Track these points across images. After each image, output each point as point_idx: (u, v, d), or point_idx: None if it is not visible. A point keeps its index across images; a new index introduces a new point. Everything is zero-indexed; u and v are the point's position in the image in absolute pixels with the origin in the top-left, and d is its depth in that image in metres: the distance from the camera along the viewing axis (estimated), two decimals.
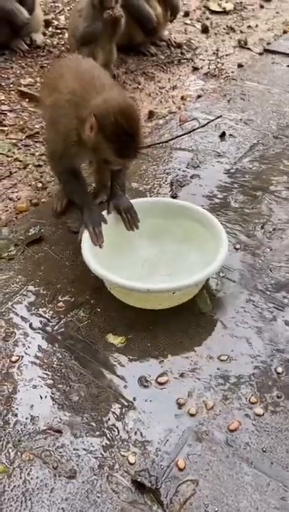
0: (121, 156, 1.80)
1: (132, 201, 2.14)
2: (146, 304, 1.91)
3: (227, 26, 4.64)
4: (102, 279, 1.90)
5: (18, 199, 2.55)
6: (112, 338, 1.84)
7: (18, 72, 3.61)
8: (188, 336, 1.84)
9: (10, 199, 2.55)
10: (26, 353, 1.79)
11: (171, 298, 1.88)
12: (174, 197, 2.48)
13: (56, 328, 1.88)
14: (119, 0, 3.31)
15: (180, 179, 2.63)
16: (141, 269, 2.04)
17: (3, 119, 3.13)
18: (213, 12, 4.92)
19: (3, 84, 3.43)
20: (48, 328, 1.88)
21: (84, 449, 1.51)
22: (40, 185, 2.64)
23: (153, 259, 2.08)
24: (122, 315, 1.92)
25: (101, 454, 1.50)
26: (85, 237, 1.99)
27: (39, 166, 2.78)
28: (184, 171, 2.71)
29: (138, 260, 2.07)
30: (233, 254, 2.17)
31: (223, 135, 3.00)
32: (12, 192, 2.60)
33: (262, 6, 5.11)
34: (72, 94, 1.90)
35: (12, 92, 3.39)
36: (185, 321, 1.89)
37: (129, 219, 2.09)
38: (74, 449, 1.51)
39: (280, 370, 1.71)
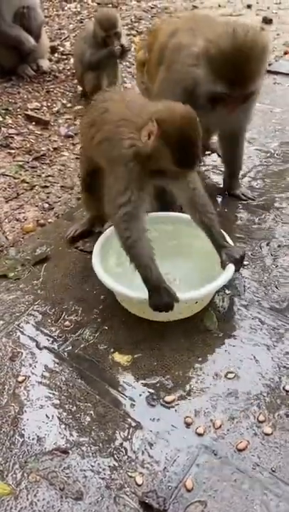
0: (181, 164, 1.67)
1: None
2: (158, 316, 1.88)
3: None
4: (116, 292, 1.91)
5: (25, 220, 2.59)
6: (118, 357, 1.84)
7: (25, 96, 3.70)
8: (195, 354, 1.83)
9: (17, 220, 2.59)
10: (33, 373, 1.79)
11: (186, 308, 1.90)
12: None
13: (63, 347, 1.89)
14: (120, 35, 3.43)
15: None
16: None
17: (11, 142, 3.20)
18: None
19: (10, 108, 3.52)
20: (55, 348, 1.88)
21: (91, 470, 1.49)
22: (46, 205, 2.68)
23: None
24: (129, 334, 1.92)
25: (108, 474, 1.48)
26: (96, 252, 1.99)
27: (45, 187, 2.83)
28: None
29: None
30: (239, 272, 2.17)
31: None
32: (19, 213, 2.64)
33: (262, 29, 5.23)
34: (122, 119, 1.78)
35: (19, 116, 3.47)
36: (191, 339, 1.89)
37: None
38: (81, 470, 1.49)
39: (288, 387, 1.69)
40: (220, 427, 1.58)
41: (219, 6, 5.74)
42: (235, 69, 1.88)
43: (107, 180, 1.84)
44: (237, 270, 1.94)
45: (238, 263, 1.95)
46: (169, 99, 1.82)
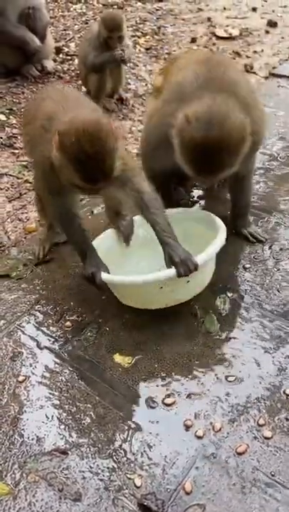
0: (83, 180, 1.61)
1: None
2: (157, 299, 1.89)
3: (233, 51, 4.74)
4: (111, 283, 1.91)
5: (28, 220, 2.59)
6: (119, 358, 1.83)
7: (29, 97, 3.70)
8: (196, 357, 1.83)
9: (19, 220, 2.59)
10: (33, 373, 1.79)
11: (184, 288, 1.89)
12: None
13: (63, 347, 1.89)
14: (122, 39, 3.43)
15: (187, 202, 2.67)
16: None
17: (15, 142, 3.20)
18: (219, 38, 5.03)
19: (14, 108, 3.52)
20: (55, 348, 1.88)
21: (90, 471, 1.49)
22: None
23: (152, 261, 2.04)
24: (129, 335, 1.92)
25: (107, 476, 1.48)
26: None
27: None
28: (192, 191, 2.75)
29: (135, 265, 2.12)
30: (241, 274, 2.17)
31: None
32: (22, 213, 2.64)
33: (267, 32, 5.22)
34: (46, 119, 1.76)
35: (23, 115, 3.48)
36: (192, 342, 1.88)
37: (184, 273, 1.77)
38: (80, 471, 1.49)
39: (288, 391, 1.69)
40: (220, 430, 1.58)
41: (224, 8, 5.74)
42: (202, 161, 1.75)
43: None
44: (179, 273, 1.75)
45: (180, 265, 1.76)
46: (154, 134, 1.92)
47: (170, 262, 1.79)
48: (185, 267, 1.75)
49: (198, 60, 2.08)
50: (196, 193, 2.75)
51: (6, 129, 3.31)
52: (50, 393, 1.72)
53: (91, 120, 1.64)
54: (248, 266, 2.23)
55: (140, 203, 1.86)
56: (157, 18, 5.46)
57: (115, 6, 5.57)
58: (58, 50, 4.39)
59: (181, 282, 1.82)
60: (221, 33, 5.12)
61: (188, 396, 1.68)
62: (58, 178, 1.72)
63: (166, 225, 1.85)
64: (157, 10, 5.73)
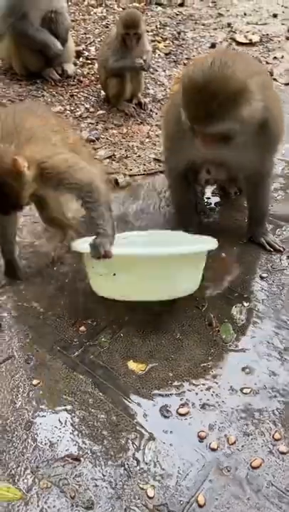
0: None
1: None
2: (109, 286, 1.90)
3: (253, 57, 4.72)
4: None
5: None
6: (133, 365, 1.82)
7: (49, 100, 3.73)
8: (211, 367, 1.81)
9: (36, 222, 2.60)
10: (47, 377, 1.79)
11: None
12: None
13: (77, 352, 1.88)
14: (140, 38, 3.43)
15: (204, 209, 2.66)
16: None
17: None
18: (239, 44, 5.01)
19: None
20: (69, 353, 1.88)
21: (102, 479, 1.48)
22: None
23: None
24: (144, 342, 1.91)
25: (119, 485, 1.47)
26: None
27: None
28: (207, 199, 2.74)
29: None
30: (257, 284, 2.15)
31: None
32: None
33: (288, 38, 5.19)
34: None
35: None
36: (207, 351, 1.87)
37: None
38: (92, 479, 1.48)
39: None
40: (234, 443, 1.55)
41: (245, 14, 5.73)
42: (196, 104, 1.75)
43: None
44: (93, 255, 1.79)
45: (93, 247, 1.80)
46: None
47: (94, 248, 1.80)
48: (96, 250, 1.78)
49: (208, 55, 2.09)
50: (214, 200, 2.74)
51: None
52: (63, 398, 1.72)
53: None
54: (264, 275, 2.21)
55: (80, 195, 1.87)
56: (177, 23, 5.46)
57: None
58: (79, 54, 4.41)
59: (132, 276, 1.84)
60: (241, 38, 5.10)
61: (203, 406, 1.67)
62: None
63: (101, 216, 1.85)
64: (177, 15, 5.74)
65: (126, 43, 3.43)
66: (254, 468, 1.49)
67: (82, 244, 1.92)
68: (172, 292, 1.96)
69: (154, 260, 1.86)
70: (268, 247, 2.34)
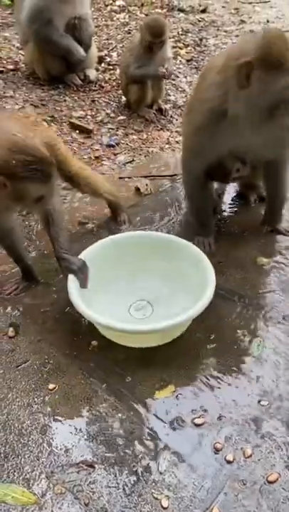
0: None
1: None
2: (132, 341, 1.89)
3: None
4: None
5: None
6: (160, 394, 1.75)
7: (71, 105, 3.76)
8: (228, 378, 1.79)
9: None
10: (63, 382, 1.80)
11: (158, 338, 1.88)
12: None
13: (93, 358, 1.88)
14: (164, 44, 3.45)
15: (222, 216, 2.65)
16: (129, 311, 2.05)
17: None
18: None
19: (56, 116, 3.58)
20: (86, 358, 1.88)
21: (116, 487, 1.48)
22: (85, 213, 2.71)
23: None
24: (160, 349, 1.90)
25: (134, 493, 1.46)
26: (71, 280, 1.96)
27: (85, 196, 2.86)
28: (226, 206, 2.73)
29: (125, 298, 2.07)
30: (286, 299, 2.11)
31: None
32: None
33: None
34: None
35: (64, 123, 3.53)
36: (225, 363, 1.85)
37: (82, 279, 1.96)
38: (106, 486, 1.48)
39: None
40: (250, 456, 1.54)
41: (268, 21, 5.70)
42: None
43: None
44: (67, 271, 1.96)
45: (72, 272, 1.96)
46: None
47: (66, 270, 1.98)
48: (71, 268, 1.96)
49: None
50: (232, 208, 2.72)
51: None
52: (79, 404, 1.72)
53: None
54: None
55: (49, 218, 2.03)
56: (199, 30, 5.46)
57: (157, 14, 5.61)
58: (101, 60, 4.44)
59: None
60: None
61: (219, 418, 1.65)
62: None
63: (65, 241, 2.05)
64: (200, 21, 5.74)
65: (151, 50, 3.44)
66: (270, 482, 1.47)
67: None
68: (176, 336, 1.94)
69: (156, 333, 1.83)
70: (286, 233, 2.44)
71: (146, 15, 5.84)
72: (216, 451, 1.56)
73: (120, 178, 3.00)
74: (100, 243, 2.14)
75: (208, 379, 1.79)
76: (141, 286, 2.10)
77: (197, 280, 1.94)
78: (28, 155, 1.67)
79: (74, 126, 3.51)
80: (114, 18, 5.74)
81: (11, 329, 2.00)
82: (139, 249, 2.13)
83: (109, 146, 3.37)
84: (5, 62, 4.28)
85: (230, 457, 1.53)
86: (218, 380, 1.78)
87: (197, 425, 1.63)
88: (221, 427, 1.63)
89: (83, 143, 3.38)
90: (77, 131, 3.48)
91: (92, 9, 5.15)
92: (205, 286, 1.86)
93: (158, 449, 1.57)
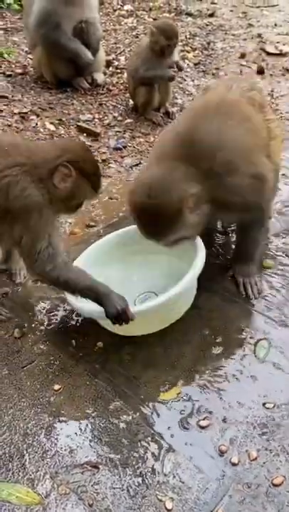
0: (99, 188, 1.91)
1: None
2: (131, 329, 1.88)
3: (283, 68, 4.69)
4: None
5: (70, 223, 2.64)
6: (165, 396, 1.74)
7: (78, 108, 3.79)
8: (235, 380, 1.78)
9: (62, 226, 2.63)
10: (69, 383, 1.80)
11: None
12: None
13: (99, 359, 1.89)
14: (175, 47, 3.47)
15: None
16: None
17: None
18: (269, 54, 4.99)
19: (63, 119, 3.61)
20: (91, 359, 1.89)
21: (120, 488, 1.48)
22: (92, 215, 2.72)
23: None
24: (166, 352, 1.90)
25: (138, 495, 1.46)
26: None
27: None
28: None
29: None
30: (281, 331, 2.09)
31: None
32: (65, 221, 2.68)
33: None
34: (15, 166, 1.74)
35: (72, 126, 3.55)
36: (231, 364, 1.84)
37: None
38: (110, 487, 1.48)
39: None
40: (255, 458, 1.53)
41: (275, 25, 5.70)
42: (140, 223, 1.93)
43: (13, 233, 1.78)
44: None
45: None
46: None
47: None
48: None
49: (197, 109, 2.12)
50: None
51: (55, 138, 3.38)
52: (84, 405, 1.72)
53: (78, 143, 1.90)
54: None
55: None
56: (207, 34, 5.48)
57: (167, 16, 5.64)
58: (109, 63, 4.47)
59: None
60: (271, 49, 5.08)
61: (224, 420, 1.64)
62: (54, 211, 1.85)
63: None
64: (207, 25, 5.76)
65: (163, 54, 3.46)
66: (275, 485, 1.46)
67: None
68: (173, 319, 1.99)
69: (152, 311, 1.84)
70: (241, 288, 2.17)
71: (155, 19, 5.87)
72: (221, 453, 1.55)
73: (128, 181, 3.01)
74: (106, 238, 2.20)
75: (213, 381, 1.78)
76: (146, 279, 2.14)
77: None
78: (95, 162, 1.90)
79: (81, 130, 3.53)
80: (122, 23, 5.78)
81: (16, 330, 2.01)
82: (144, 243, 2.09)
83: (116, 149, 3.39)
84: (13, 66, 4.32)
85: (235, 460, 1.52)
86: (224, 382, 1.77)
87: (202, 427, 1.62)
88: (226, 429, 1.62)
89: (91, 146, 3.39)
90: (85, 134, 3.50)
91: (101, 14, 5.19)
92: (195, 261, 1.90)
93: (163, 451, 1.57)
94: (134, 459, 1.55)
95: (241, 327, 1.99)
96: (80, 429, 1.65)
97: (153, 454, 1.56)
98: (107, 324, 1.91)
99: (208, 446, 1.57)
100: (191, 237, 1.98)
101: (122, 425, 1.65)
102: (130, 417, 1.67)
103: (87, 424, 1.66)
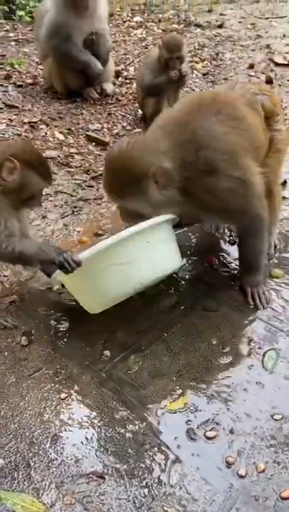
0: (49, 179, 2.06)
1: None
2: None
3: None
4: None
5: (79, 232, 2.65)
6: (172, 406, 1.72)
7: (88, 118, 3.83)
8: (241, 391, 1.77)
9: (70, 235, 2.65)
10: (75, 391, 1.80)
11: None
12: None
13: (106, 368, 1.88)
14: (183, 61, 3.50)
15: None
16: None
17: (71, 161, 3.30)
18: (277, 64, 5.01)
19: (72, 128, 3.64)
20: (98, 368, 1.88)
21: (126, 499, 1.46)
22: (100, 224, 2.73)
23: None
24: (173, 361, 1.89)
25: (144, 506, 1.44)
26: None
27: (99, 205, 2.89)
28: None
29: None
30: None
31: (284, 183, 2.98)
32: (73, 230, 2.70)
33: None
34: None
35: (80, 136, 3.59)
36: (239, 374, 1.83)
37: None
38: (116, 498, 1.46)
39: None
40: (263, 471, 1.50)
41: (284, 35, 5.74)
42: (103, 176, 2.01)
43: None
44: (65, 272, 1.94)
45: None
46: None
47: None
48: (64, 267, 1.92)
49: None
50: None
51: (64, 148, 3.42)
52: (90, 413, 1.72)
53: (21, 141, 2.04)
54: None
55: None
56: (216, 45, 5.53)
57: (175, 32, 5.70)
58: (118, 74, 4.52)
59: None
60: (279, 59, 5.10)
61: (232, 431, 1.63)
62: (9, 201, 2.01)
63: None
64: (216, 36, 5.81)
65: (169, 65, 3.50)
66: (283, 499, 1.43)
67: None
68: (141, 281, 1.93)
69: (117, 246, 1.86)
70: (249, 298, 2.14)
71: (164, 30, 5.95)
72: (228, 465, 1.53)
73: None
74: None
75: (220, 391, 1.76)
76: None
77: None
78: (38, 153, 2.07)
79: (90, 139, 3.56)
80: (132, 34, 5.86)
81: (24, 338, 2.02)
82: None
83: None
84: (24, 76, 4.39)
85: (242, 472, 1.50)
86: (231, 393, 1.76)
87: (209, 438, 1.61)
88: (234, 440, 1.60)
89: (99, 155, 3.42)
90: (94, 144, 3.53)
91: (111, 25, 5.26)
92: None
93: (169, 462, 1.55)
94: (141, 469, 1.54)
95: (249, 337, 1.98)
96: (86, 438, 1.64)
97: (159, 464, 1.55)
98: (76, 293, 2.02)
99: (216, 457, 1.55)
100: (147, 216, 1.91)
101: (128, 435, 1.64)
102: (137, 427, 1.66)
103: (93, 434, 1.65)
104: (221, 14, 6.68)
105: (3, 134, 3.36)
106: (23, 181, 1.98)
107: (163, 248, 1.99)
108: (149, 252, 1.92)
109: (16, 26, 5.83)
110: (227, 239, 2.55)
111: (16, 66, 4.47)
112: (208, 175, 1.88)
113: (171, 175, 1.86)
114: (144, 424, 1.67)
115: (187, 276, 2.32)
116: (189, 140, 1.89)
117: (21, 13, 6.45)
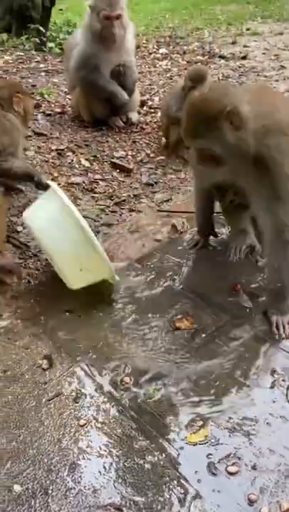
0: None
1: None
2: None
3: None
4: None
5: None
6: (192, 438, 1.69)
7: (113, 145, 3.91)
8: (264, 424, 1.72)
9: None
10: (94, 418, 1.78)
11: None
12: None
13: (125, 395, 1.86)
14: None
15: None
16: None
17: (95, 187, 3.36)
18: None
19: (98, 155, 3.73)
20: (117, 395, 1.86)
21: None
22: (122, 248, 2.76)
23: None
24: (192, 389, 1.86)
25: None
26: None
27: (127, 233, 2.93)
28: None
29: None
30: None
31: None
32: None
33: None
34: None
35: (105, 162, 3.66)
36: (265, 408, 1.78)
37: None
38: None
39: None
40: (287, 510, 1.45)
41: None
42: (185, 121, 2.05)
43: None
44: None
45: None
46: None
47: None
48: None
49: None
50: None
51: (89, 174, 3.49)
52: (109, 442, 1.69)
53: None
54: None
55: None
56: (240, 75, 5.62)
57: (199, 63, 5.84)
58: (143, 103, 4.63)
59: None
60: None
61: (254, 467, 1.57)
62: None
63: None
64: (240, 67, 5.91)
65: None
66: None
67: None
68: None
69: None
70: (273, 327, 2.09)
71: (188, 62, 6.09)
72: (251, 502, 1.48)
73: (158, 210, 3.07)
74: None
75: (243, 424, 1.72)
76: None
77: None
78: None
79: (115, 166, 3.63)
80: (157, 65, 6.02)
81: (45, 361, 2.02)
82: None
83: (147, 184, 3.46)
84: (53, 105, 4.53)
85: (265, 510, 1.45)
86: (253, 426, 1.71)
87: (231, 473, 1.56)
88: (256, 477, 1.55)
89: (123, 181, 3.48)
90: (118, 170, 3.60)
91: (137, 57, 5.42)
92: None
93: (189, 497, 1.51)
94: (159, 503, 1.50)
95: (273, 368, 1.93)
96: (105, 467, 1.61)
97: (179, 499, 1.50)
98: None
99: (237, 494, 1.50)
100: (217, 157, 1.97)
101: (147, 466, 1.60)
102: (156, 458, 1.63)
103: (111, 463, 1.62)
104: (245, 46, 6.82)
105: (31, 160, 3.46)
106: (25, 107, 2.89)
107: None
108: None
109: (46, 57, 6.07)
110: (252, 263, 2.53)
111: (46, 96, 4.63)
112: (280, 132, 1.97)
113: (245, 118, 1.92)
114: (164, 455, 1.63)
115: (208, 303, 2.30)
116: (266, 107, 2.03)
117: (51, 44, 6.73)
